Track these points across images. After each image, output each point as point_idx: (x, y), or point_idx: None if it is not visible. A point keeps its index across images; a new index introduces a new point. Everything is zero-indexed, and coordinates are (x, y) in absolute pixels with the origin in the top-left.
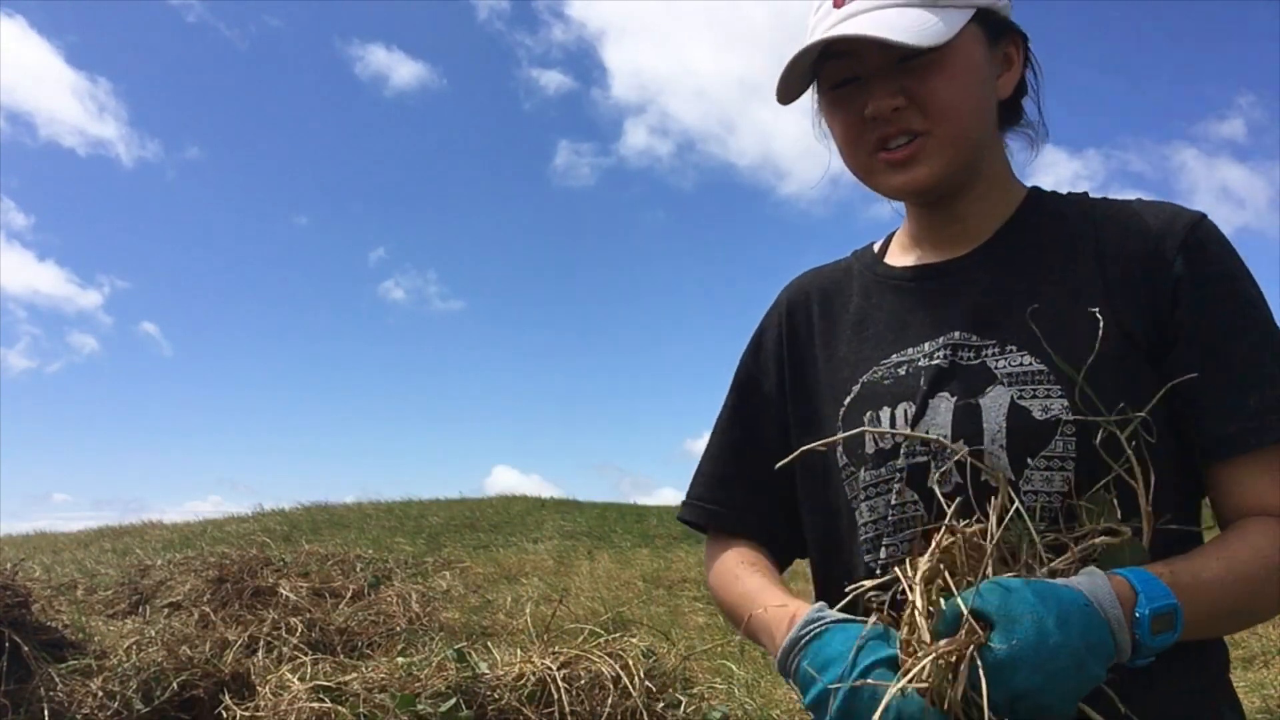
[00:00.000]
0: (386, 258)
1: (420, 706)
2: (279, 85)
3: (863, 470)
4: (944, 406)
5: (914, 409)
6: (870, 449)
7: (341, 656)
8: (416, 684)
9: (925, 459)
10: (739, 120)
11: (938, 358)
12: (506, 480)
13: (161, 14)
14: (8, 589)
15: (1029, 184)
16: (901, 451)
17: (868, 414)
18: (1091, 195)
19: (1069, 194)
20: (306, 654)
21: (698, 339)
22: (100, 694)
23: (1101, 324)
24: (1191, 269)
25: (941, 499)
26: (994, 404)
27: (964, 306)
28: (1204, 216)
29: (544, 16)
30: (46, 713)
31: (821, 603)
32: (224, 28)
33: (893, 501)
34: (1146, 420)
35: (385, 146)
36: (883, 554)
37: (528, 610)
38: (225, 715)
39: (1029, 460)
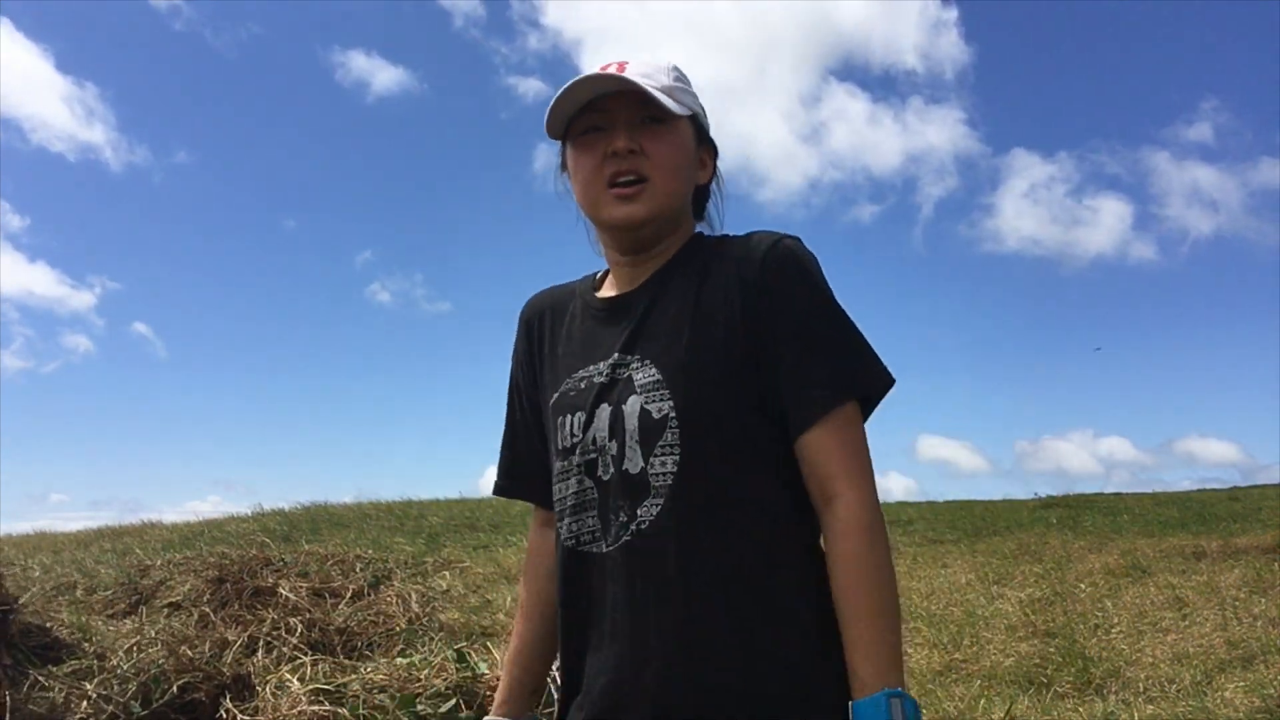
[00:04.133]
0: (373, 260)
1: (420, 707)
2: (264, 91)
3: (558, 461)
4: (604, 413)
5: (585, 416)
6: (560, 446)
7: (341, 657)
8: (416, 684)
9: (594, 455)
10: (716, 126)
11: (603, 375)
12: None
13: (148, 21)
14: None
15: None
16: (578, 449)
17: (559, 418)
18: (741, 234)
19: (716, 236)
20: (306, 654)
21: None
22: (96, 697)
23: (710, 334)
24: (769, 280)
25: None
26: (631, 409)
27: (625, 332)
28: (784, 238)
29: (520, 26)
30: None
31: None
32: (210, 35)
33: (573, 488)
34: (737, 409)
35: (369, 151)
36: (563, 531)
37: None
38: (226, 717)
39: (654, 450)
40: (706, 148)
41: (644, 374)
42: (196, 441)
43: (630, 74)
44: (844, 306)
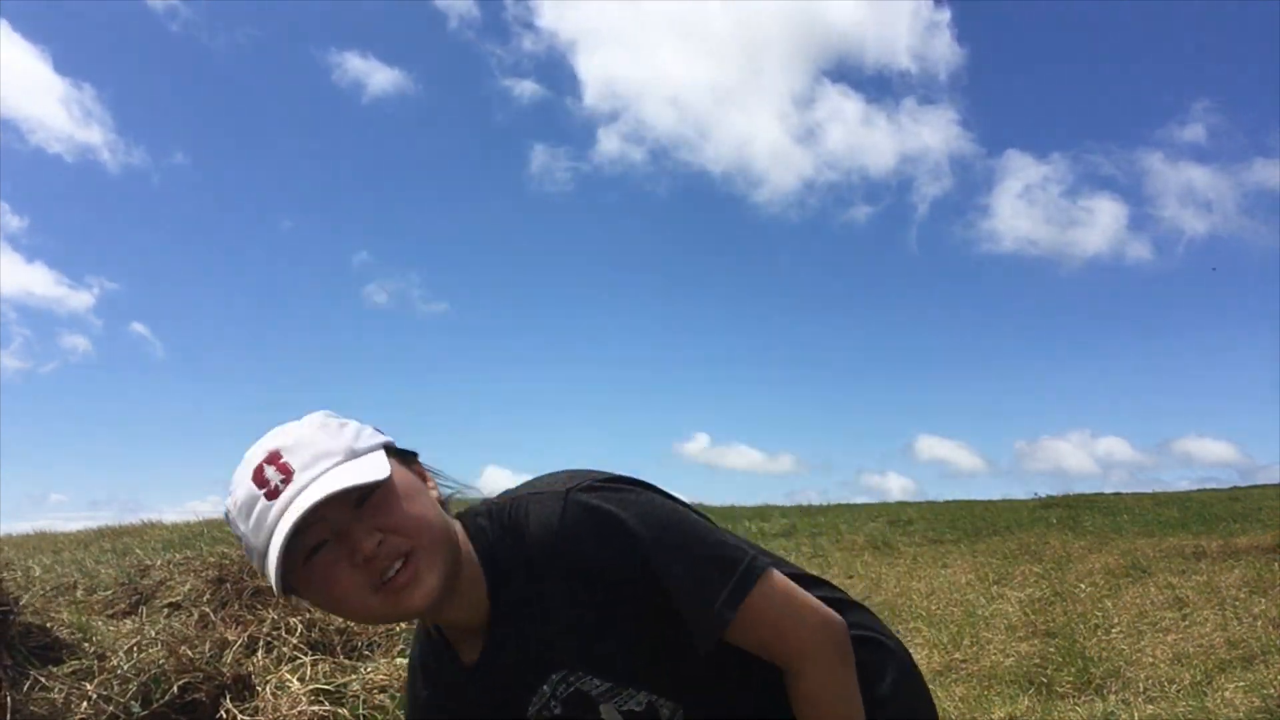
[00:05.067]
0: (370, 261)
1: None
2: (260, 93)
3: None
4: None
5: None
6: None
7: (341, 657)
8: None
9: None
10: (711, 127)
11: (554, 703)
12: (499, 481)
13: (145, 23)
14: None
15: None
16: None
17: None
18: (524, 514)
19: (495, 538)
20: (306, 654)
21: (682, 341)
22: (96, 697)
23: (601, 636)
24: (613, 568)
25: None
26: (609, 714)
27: (536, 661)
28: (560, 510)
29: (514, 28)
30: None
31: None
32: (206, 38)
33: None
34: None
35: (365, 152)
36: None
37: None
38: (226, 718)
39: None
40: (413, 462)
41: (591, 685)
42: (195, 441)
43: (300, 471)
44: (671, 516)
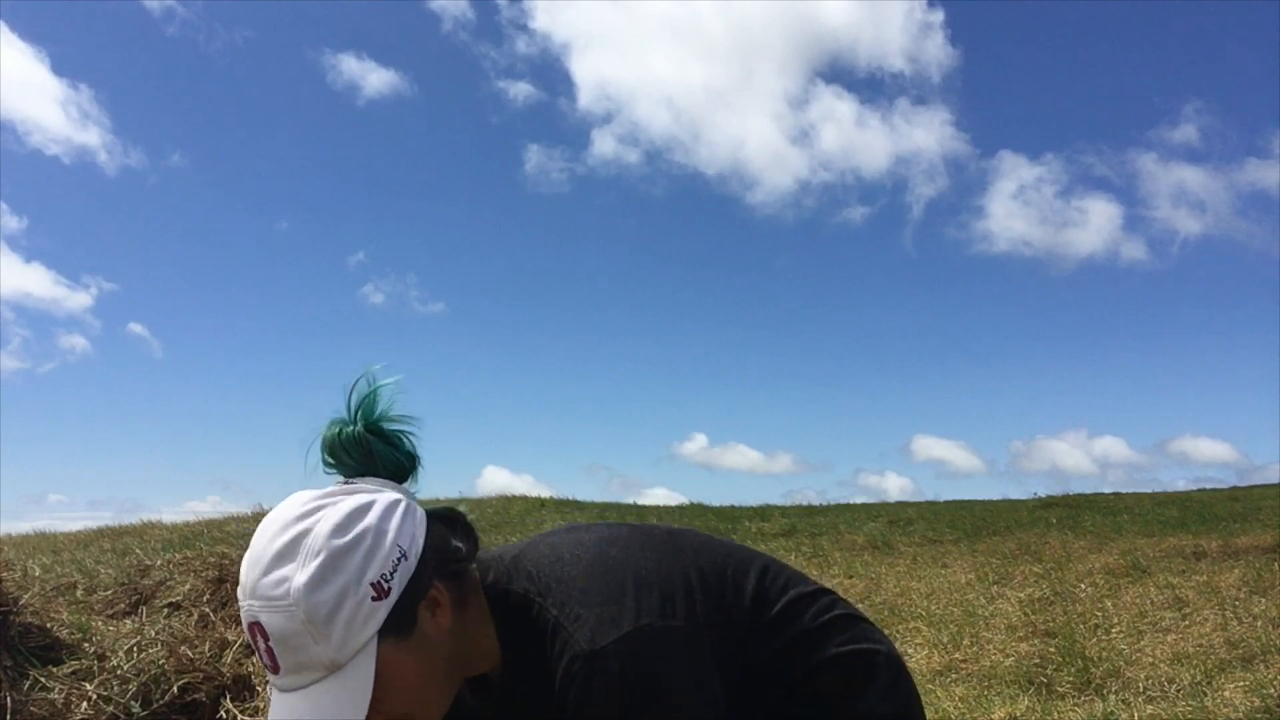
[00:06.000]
0: (366, 261)
1: None
2: (256, 94)
3: None
4: None
5: None
6: None
7: None
8: None
9: None
10: (705, 129)
11: None
12: (498, 481)
13: (142, 25)
14: None
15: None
16: None
17: None
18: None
19: (524, 631)
20: None
21: (679, 341)
22: (96, 698)
23: None
24: None
25: None
26: None
27: None
28: (580, 663)
29: (508, 30)
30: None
31: None
32: (202, 40)
33: None
34: None
35: (361, 153)
36: None
37: None
38: (226, 718)
39: None
40: (422, 601)
41: None
42: (194, 441)
43: (285, 671)
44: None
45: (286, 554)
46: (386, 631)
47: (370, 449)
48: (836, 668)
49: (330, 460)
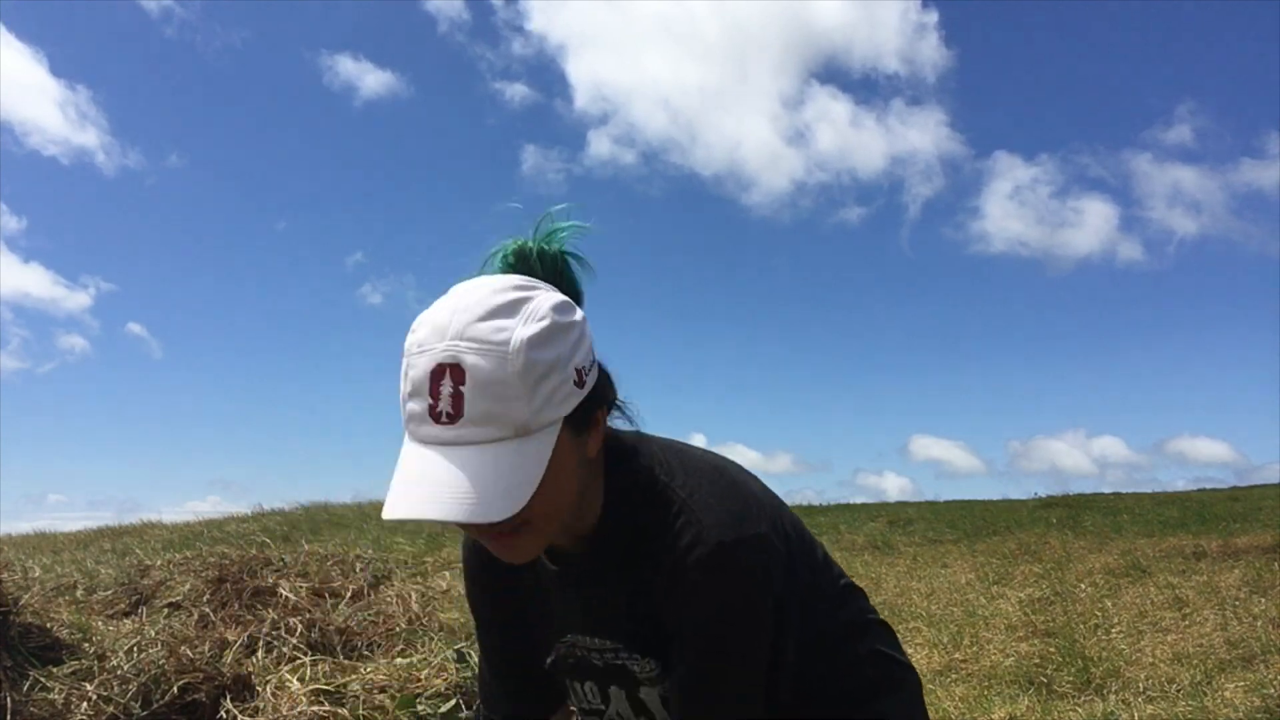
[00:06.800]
0: (364, 262)
1: (420, 707)
2: (254, 95)
3: (571, 691)
4: (619, 695)
5: (596, 688)
6: (579, 706)
7: (341, 657)
8: (416, 684)
9: None
10: (701, 129)
11: (595, 657)
12: None
13: (140, 25)
14: None
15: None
16: (602, 716)
17: (564, 679)
18: (668, 484)
19: (640, 501)
20: (306, 654)
21: (676, 342)
22: (96, 698)
23: (661, 637)
24: (678, 607)
25: None
26: (649, 696)
27: (590, 615)
28: (703, 563)
29: (504, 31)
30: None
31: None
32: (200, 41)
33: None
34: None
35: (358, 153)
36: None
37: None
38: (226, 718)
39: None
40: (594, 407)
41: (643, 667)
42: (194, 441)
43: (469, 419)
44: (756, 634)
45: (507, 310)
46: (568, 422)
47: (563, 269)
48: (876, 665)
49: (518, 264)
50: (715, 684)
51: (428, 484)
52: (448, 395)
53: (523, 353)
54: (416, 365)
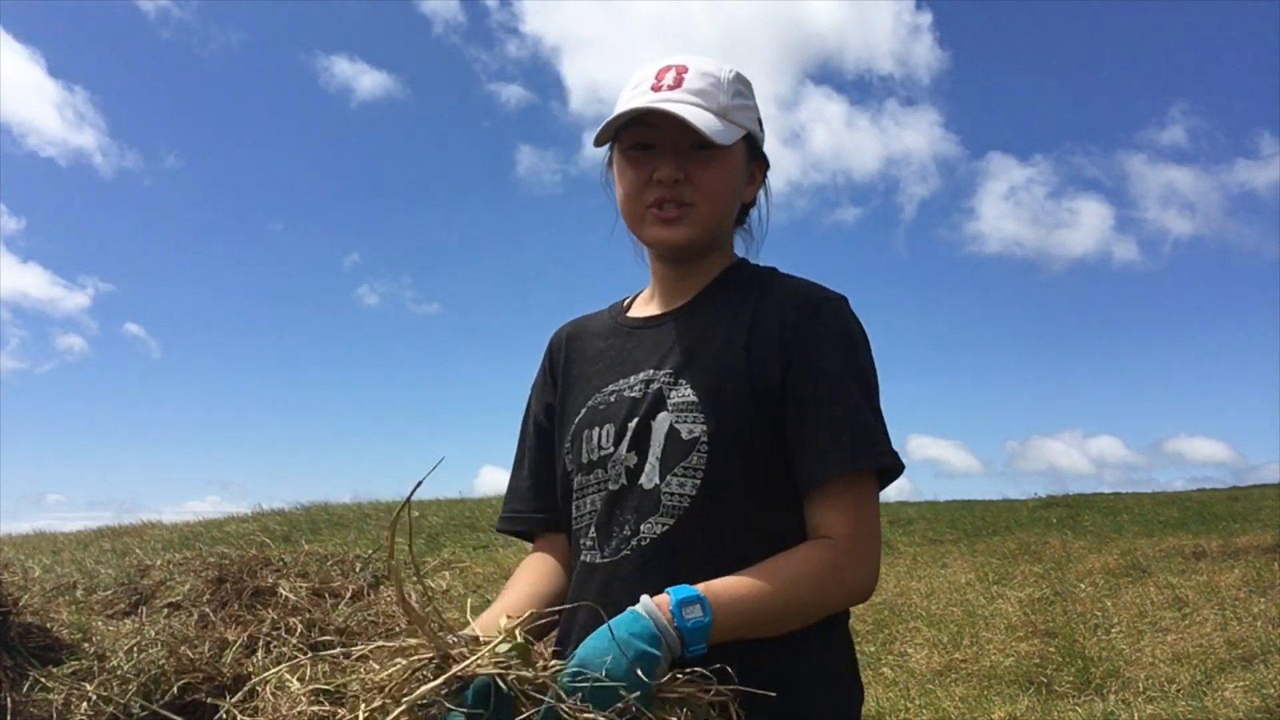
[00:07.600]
0: (361, 263)
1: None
2: (251, 97)
3: (579, 476)
4: (634, 426)
5: (614, 429)
6: (583, 460)
7: (341, 657)
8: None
9: (616, 467)
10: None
11: (636, 389)
12: (496, 481)
13: (137, 27)
14: None
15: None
16: (607, 463)
17: (585, 432)
18: (781, 271)
19: (760, 267)
20: (306, 654)
21: None
22: (96, 698)
23: (752, 369)
24: (816, 334)
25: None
26: (660, 426)
27: (661, 349)
28: (836, 299)
29: (499, 33)
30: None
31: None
32: (197, 42)
33: (596, 505)
34: (764, 445)
35: (355, 154)
36: (584, 551)
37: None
38: (226, 718)
39: (673, 470)
40: (758, 163)
41: (679, 393)
42: (192, 441)
43: (686, 89)
44: (877, 383)
45: (708, 61)
46: (745, 144)
47: None
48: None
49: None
50: (856, 390)
51: (656, 101)
52: (671, 78)
53: (733, 72)
54: (642, 70)
